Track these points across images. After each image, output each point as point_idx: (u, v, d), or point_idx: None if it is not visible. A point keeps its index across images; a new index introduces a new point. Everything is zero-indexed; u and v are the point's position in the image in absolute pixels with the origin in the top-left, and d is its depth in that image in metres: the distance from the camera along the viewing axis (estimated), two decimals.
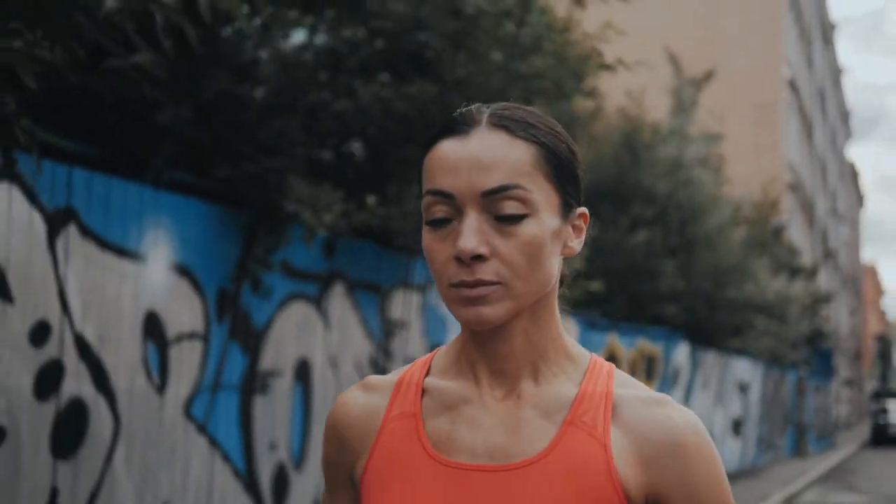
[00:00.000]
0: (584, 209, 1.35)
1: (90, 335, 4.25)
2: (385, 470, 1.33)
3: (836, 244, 45.66)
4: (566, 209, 1.32)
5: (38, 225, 3.97)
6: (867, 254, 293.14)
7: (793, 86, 32.25)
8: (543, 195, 1.27)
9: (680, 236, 14.71)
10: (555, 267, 1.31)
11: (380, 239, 6.23)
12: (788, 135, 31.74)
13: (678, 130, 15.98)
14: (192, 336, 4.89)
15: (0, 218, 3.78)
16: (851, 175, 57.67)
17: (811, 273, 25.52)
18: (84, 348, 4.21)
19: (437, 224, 1.28)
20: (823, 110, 41.94)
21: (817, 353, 28.68)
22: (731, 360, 17.90)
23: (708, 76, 18.07)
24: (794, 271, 23.06)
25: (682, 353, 14.77)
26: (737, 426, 18.69)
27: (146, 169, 4.65)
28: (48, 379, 4.03)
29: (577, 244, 1.34)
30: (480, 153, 1.25)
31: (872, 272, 78.37)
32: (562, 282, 1.41)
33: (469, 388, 1.34)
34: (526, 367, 1.33)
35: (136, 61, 4.12)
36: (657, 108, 17.96)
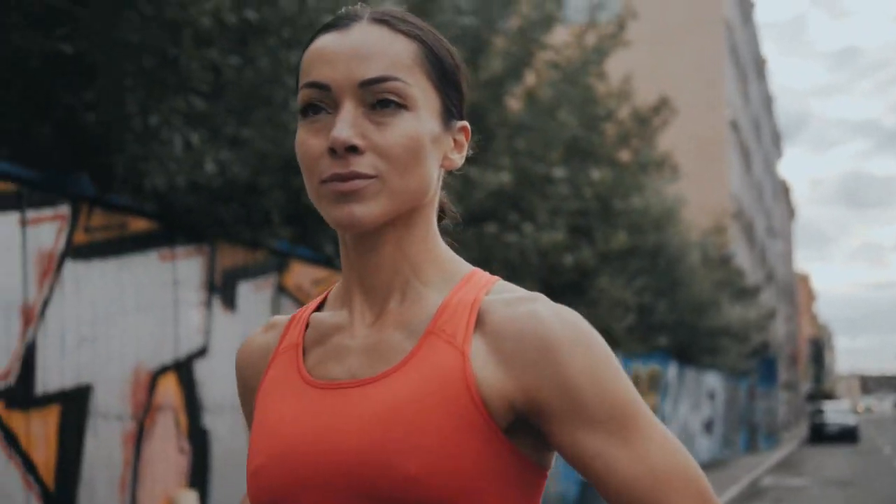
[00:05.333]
0: (465, 123, 1.33)
1: None
2: (267, 396, 1.35)
3: (772, 258, 51.71)
4: (447, 116, 1.29)
5: None
6: (799, 256, 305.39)
7: (734, 125, 37.89)
8: (423, 93, 1.25)
9: (666, 279, 19.87)
10: (434, 175, 1.28)
11: None
12: (731, 168, 37.30)
13: (659, 192, 21.00)
14: None
15: None
16: (783, 191, 64.15)
17: (754, 292, 30.91)
18: None
19: (311, 111, 1.25)
20: (759, 138, 47.90)
21: (763, 362, 34.31)
22: (704, 374, 23.35)
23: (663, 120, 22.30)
24: (741, 292, 28.36)
25: (672, 371, 20.08)
26: (708, 426, 24.20)
27: None
28: None
29: (457, 158, 1.32)
30: (360, 44, 1.24)
31: (805, 279, 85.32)
32: (443, 211, 1.40)
33: (344, 315, 1.33)
34: (396, 282, 1.30)
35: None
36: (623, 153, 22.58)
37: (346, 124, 1.21)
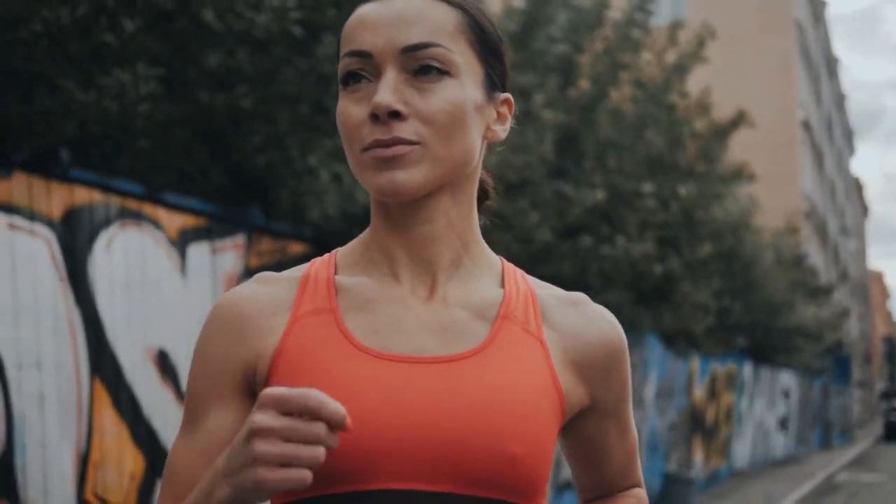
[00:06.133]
0: (509, 95, 1.32)
1: None
2: (304, 362, 1.23)
3: (845, 257, 51.62)
4: (490, 85, 1.28)
5: None
6: (872, 253, 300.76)
7: (806, 125, 38.09)
8: (466, 60, 1.24)
9: (741, 281, 20.38)
10: (477, 144, 1.27)
11: None
12: (803, 168, 37.51)
13: (736, 199, 21.49)
14: None
15: None
16: (856, 189, 63.82)
17: (828, 292, 31.11)
18: None
19: (352, 80, 1.23)
20: (831, 137, 47.89)
21: (836, 361, 34.55)
22: (779, 373, 23.85)
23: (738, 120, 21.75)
24: (815, 292, 28.65)
25: (747, 370, 20.64)
26: (783, 424, 24.69)
27: None
28: None
29: (500, 130, 1.31)
30: (402, 11, 1.23)
31: (879, 277, 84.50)
32: (486, 193, 1.38)
33: (387, 284, 1.27)
34: (447, 256, 1.28)
35: None
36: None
37: (389, 90, 1.19)
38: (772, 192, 33.81)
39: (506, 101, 1.31)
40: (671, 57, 12.18)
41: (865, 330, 63.61)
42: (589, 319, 1.31)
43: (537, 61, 9.16)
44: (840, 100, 53.71)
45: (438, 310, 1.26)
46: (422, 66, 1.21)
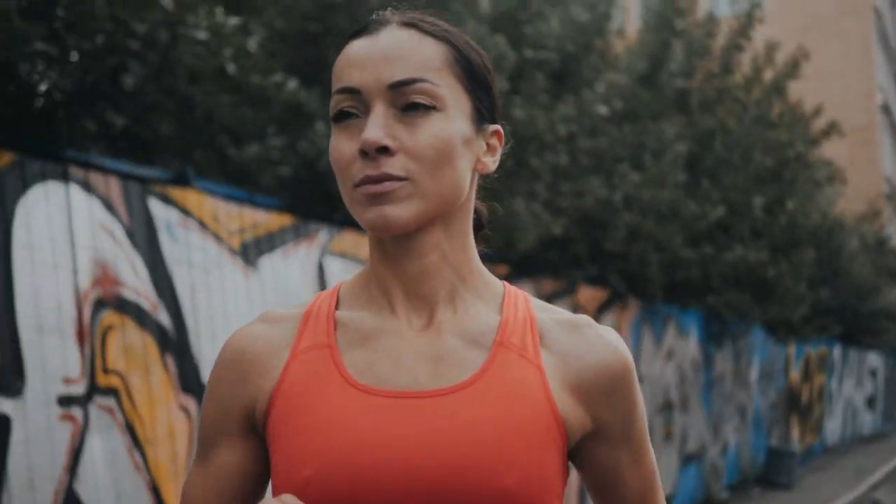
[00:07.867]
0: (498, 127, 1.34)
1: None
2: (298, 399, 1.28)
3: None
4: (478, 118, 1.31)
5: None
6: None
7: (885, 109, 39.12)
8: (453, 95, 1.27)
9: (830, 268, 21.78)
10: (466, 177, 1.29)
11: None
12: (883, 151, 38.53)
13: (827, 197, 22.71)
14: None
15: None
16: None
17: None
18: None
19: (343, 117, 1.27)
20: None
21: None
22: (866, 354, 25.40)
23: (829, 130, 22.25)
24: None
25: (837, 352, 22.26)
26: (871, 402, 26.27)
27: None
28: None
29: (490, 162, 1.33)
30: (389, 47, 1.26)
31: None
32: (481, 223, 1.41)
33: (385, 317, 1.31)
34: (443, 289, 1.30)
35: None
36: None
37: (377, 126, 1.23)
38: (853, 176, 34.49)
39: (495, 133, 1.35)
40: (768, 75, 13.83)
41: None
42: (589, 343, 1.31)
43: (662, 96, 10.92)
44: None
45: (434, 339, 1.29)
46: (409, 102, 1.25)
